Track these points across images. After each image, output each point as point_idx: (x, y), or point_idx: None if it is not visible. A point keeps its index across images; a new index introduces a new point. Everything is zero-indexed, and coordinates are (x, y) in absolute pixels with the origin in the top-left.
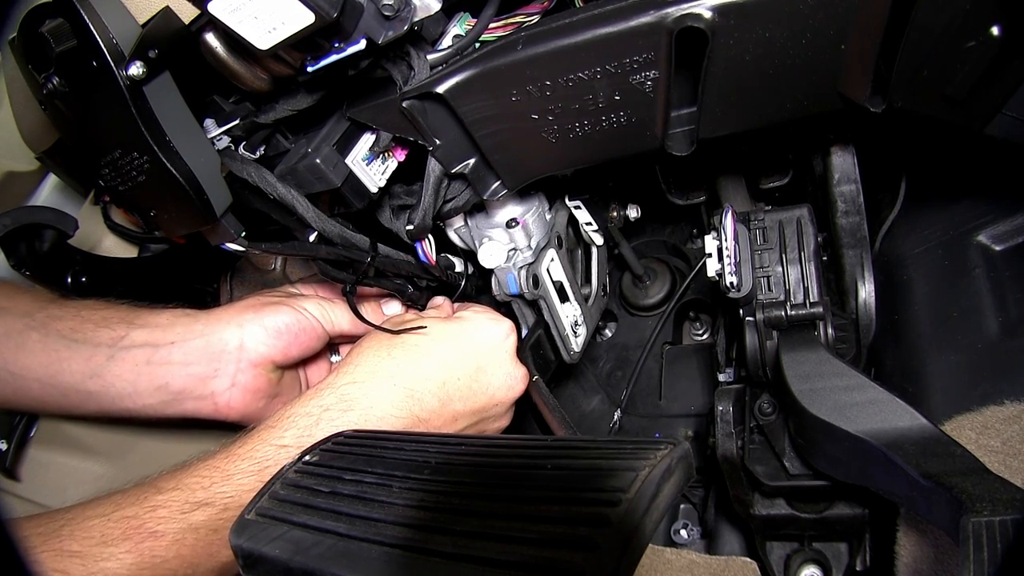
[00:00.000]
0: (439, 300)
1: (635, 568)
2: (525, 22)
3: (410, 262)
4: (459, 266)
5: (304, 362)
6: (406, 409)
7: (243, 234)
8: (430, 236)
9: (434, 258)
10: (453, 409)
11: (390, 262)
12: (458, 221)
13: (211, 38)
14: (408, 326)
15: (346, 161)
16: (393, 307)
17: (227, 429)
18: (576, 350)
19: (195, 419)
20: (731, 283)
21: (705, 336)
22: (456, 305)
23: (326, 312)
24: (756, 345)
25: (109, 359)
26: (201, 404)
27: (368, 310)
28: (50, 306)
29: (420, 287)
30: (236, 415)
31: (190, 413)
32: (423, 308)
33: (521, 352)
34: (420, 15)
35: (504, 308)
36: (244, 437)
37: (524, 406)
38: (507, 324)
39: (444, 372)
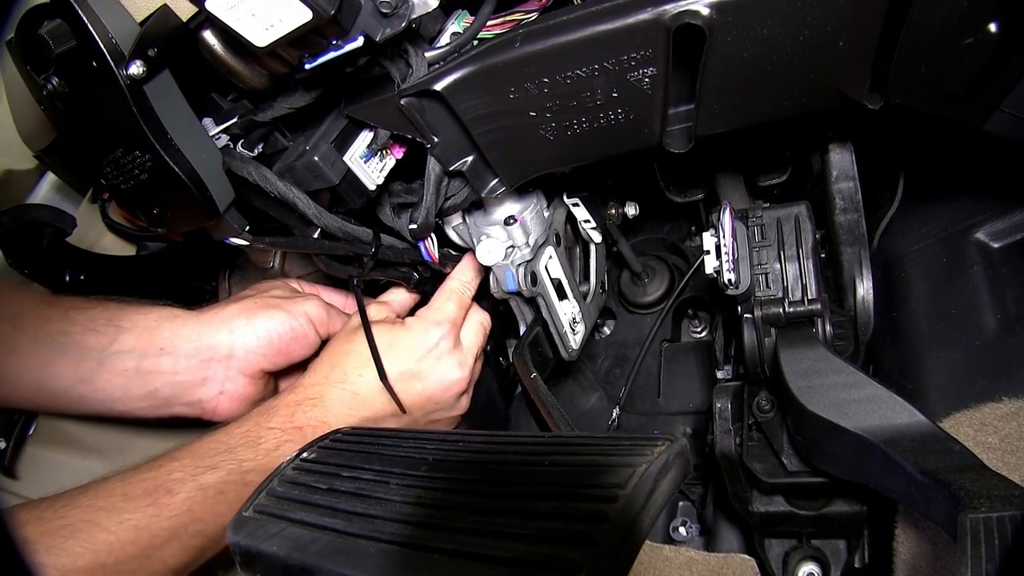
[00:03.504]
0: (396, 294)
1: (632, 564)
2: (523, 19)
3: (412, 250)
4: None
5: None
6: (354, 409)
7: (247, 228)
8: (433, 235)
9: (437, 256)
10: (396, 408)
11: (393, 251)
12: (456, 218)
13: (209, 36)
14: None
15: (344, 159)
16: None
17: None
18: (574, 348)
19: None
20: (729, 280)
21: (703, 333)
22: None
23: (324, 316)
24: (754, 342)
25: (99, 365)
26: (190, 409)
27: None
28: (40, 306)
29: (425, 276)
30: (223, 418)
31: (179, 415)
32: (429, 292)
33: (519, 349)
34: (418, 12)
35: (502, 305)
36: (240, 422)
37: (523, 404)
38: (440, 329)
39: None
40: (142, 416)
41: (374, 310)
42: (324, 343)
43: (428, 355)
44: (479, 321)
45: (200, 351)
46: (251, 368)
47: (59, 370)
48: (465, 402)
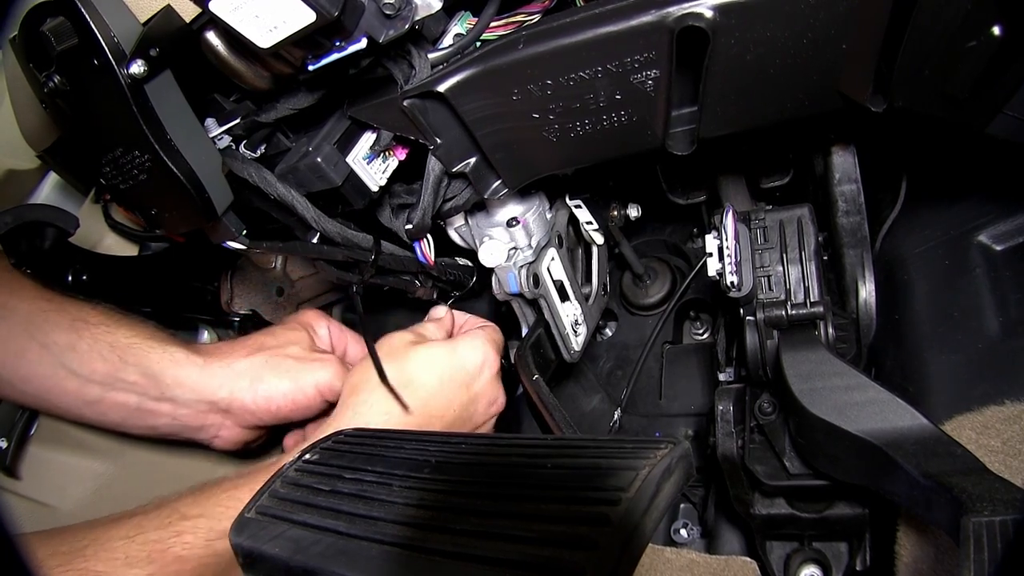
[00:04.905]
0: (441, 311)
1: (635, 567)
2: (526, 21)
3: (413, 259)
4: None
5: None
6: None
7: (244, 232)
8: (429, 236)
9: (432, 258)
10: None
11: (394, 259)
12: (459, 220)
13: (212, 37)
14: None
15: (347, 160)
16: (439, 310)
17: None
18: (576, 349)
19: None
20: (732, 282)
21: (705, 335)
22: (459, 317)
23: (336, 384)
24: (756, 344)
25: (103, 391)
26: (189, 440)
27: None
28: (49, 308)
29: (426, 286)
30: (220, 449)
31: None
32: (435, 300)
33: (521, 351)
34: (421, 14)
35: (504, 306)
36: (265, 471)
37: (525, 405)
38: (491, 350)
39: (445, 411)
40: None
41: (430, 329)
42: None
43: (480, 373)
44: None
45: (200, 403)
46: (246, 423)
47: (66, 387)
48: (491, 425)
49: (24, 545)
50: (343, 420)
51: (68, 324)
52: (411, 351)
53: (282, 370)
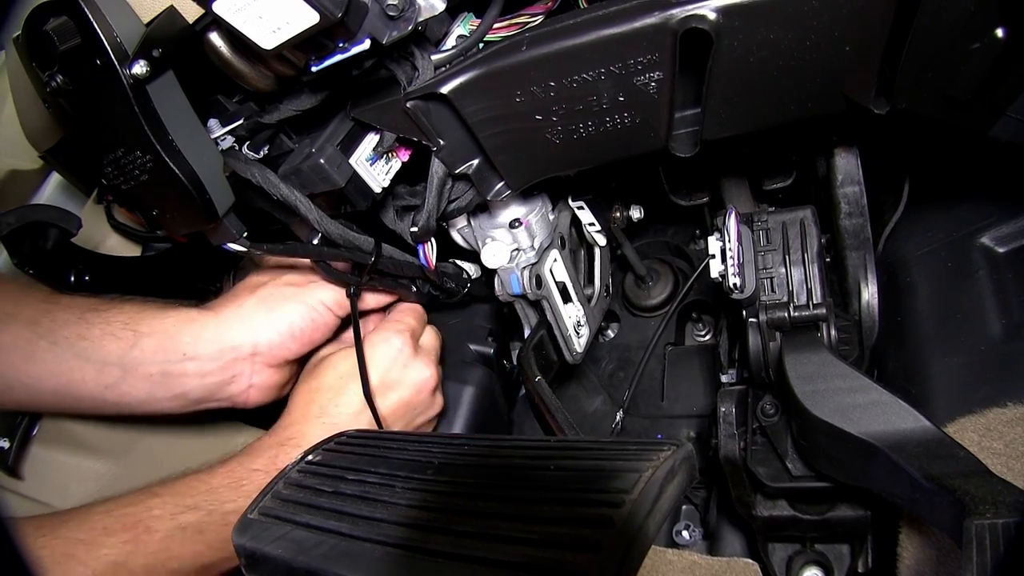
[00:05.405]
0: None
1: (638, 569)
2: (529, 23)
3: (413, 264)
4: (468, 272)
5: None
6: None
7: (245, 234)
8: (432, 239)
9: (434, 262)
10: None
11: (393, 263)
12: (461, 221)
13: (215, 38)
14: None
15: (350, 161)
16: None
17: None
18: (579, 351)
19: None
20: (734, 284)
21: (708, 337)
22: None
23: (340, 298)
24: (759, 346)
25: (123, 371)
26: (220, 403)
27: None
28: (55, 309)
29: (423, 291)
30: (254, 406)
31: (209, 409)
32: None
33: (523, 352)
34: (424, 15)
35: (506, 308)
36: (224, 462)
37: (527, 407)
38: (400, 337)
39: (357, 398)
40: (170, 414)
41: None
42: (345, 323)
43: (394, 364)
44: (434, 329)
45: (224, 352)
46: (276, 360)
47: (82, 376)
48: (440, 399)
49: (9, 524)
50: (286, 415)
51: (77, 318)
52: (323, 363)
53: (289, 296)
